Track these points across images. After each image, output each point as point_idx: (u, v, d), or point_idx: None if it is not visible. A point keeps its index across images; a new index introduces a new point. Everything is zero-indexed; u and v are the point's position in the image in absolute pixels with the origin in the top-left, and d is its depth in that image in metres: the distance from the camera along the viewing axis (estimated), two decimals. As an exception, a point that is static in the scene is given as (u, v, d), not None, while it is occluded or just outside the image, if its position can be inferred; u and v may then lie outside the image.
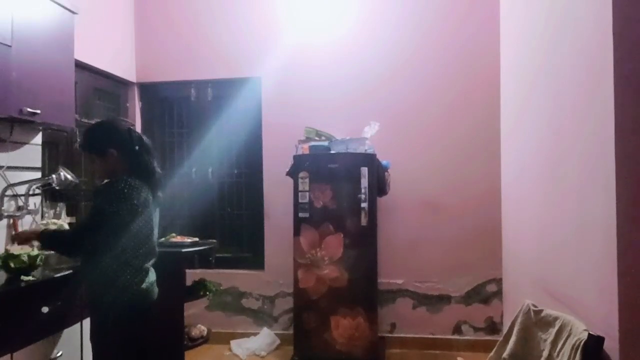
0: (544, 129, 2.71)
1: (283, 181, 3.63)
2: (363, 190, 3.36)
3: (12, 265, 2.16)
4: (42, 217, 3.01)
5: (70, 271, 2.31)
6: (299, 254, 3.47)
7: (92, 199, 2.09)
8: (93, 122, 3.58)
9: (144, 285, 2.01)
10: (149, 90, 4.24)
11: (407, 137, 3.84)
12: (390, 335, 3.84)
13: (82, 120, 3.46)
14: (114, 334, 1.96)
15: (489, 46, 3.71)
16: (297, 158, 3.53)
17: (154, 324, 2.10)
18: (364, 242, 3.40)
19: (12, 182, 2.68)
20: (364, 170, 3.37)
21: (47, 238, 2.04)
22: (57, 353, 2.20)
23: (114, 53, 3.85)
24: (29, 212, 2.82)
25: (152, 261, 2.11)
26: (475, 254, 3.74)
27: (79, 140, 3.38)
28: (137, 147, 2.05)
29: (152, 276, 2.10)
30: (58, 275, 2.28)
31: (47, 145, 3.05)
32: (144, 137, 2.14)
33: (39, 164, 2.96)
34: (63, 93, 2.75)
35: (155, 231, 2.14)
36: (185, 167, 4.18)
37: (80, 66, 3.22)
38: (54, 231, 2.27)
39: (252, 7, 4.01)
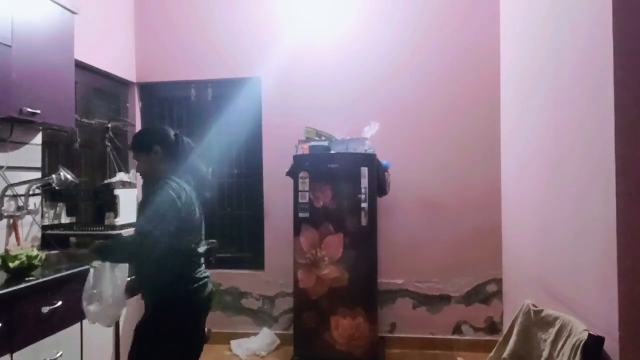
0: (544, 129, 2.71)
1: (283, 181, 3.63)
2: (363, 190, 3.36)
3: (11, 265, 2.16)
4: (42, 217, 3.01)
5: (71, 271, 2.32)
6: (299, 254, 3.47)
7: (142, 200, 2.06)
8: (93, 122, 3.61)
9: (203, 279, 2.10)
10: (148, 90, 4.24)
11: (407, 137, 3.84)
12: (390, 335, 3.84)
13: (82, 120, 3.46)
14: (165, 324, 1.99)
15: (489, 46, 3.71)
16: (297, 158, 3.53)
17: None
18: (364, 242, 3.40)
19: (12, 182, 2.69)
20: (364, 170, 3.37)
21: (110, 248, 2.01)
22: (57, 353, 2.20)
23: (114, 53, 3.85)
24: (29, 212, 2.82)
25: (203, 257, 2.17)
26: (475, 254, 3.75)
27: (78, 140, 3.39)
28: (181, 148, 2.12)
29: (206, 272, 2.17)
30: (58, 275, 2.28)
31: (47, 145, 3.05)
32: (190, 141, 2.20)
33: (39, 164, 2.96)
34: (63, 93, 2.75)
35: (201, 224, 2.20)
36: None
37: (80, 66, 3.22)
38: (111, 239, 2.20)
39: (252, 7, 4.01)
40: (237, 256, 4.13)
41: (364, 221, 3.37)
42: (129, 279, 2.14)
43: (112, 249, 1.99)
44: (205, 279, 2.13)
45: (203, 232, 2.23)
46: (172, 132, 2.17)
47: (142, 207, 2.01)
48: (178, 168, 2.10)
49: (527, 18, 3.09)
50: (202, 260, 2.17)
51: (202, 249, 2.15)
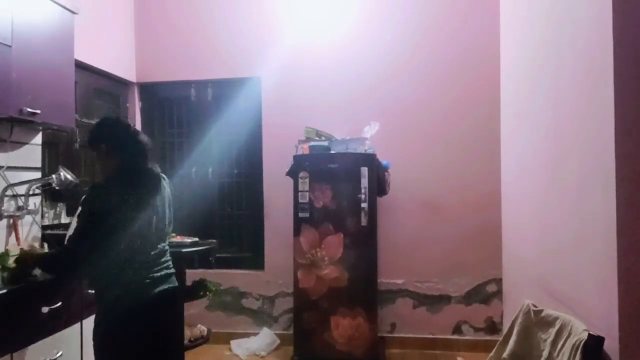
0: (544, 129, 2.71)
1: (283, 181, 3.63)
2: (363, 190, 3.36)
3: (8, 265, 2.15)
4: (42, 217, 3.01)
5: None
6: (299, 254, 3.47)
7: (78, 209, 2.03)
8: (93, 122, 3.60)
9: (145, 281, 1.98)
10: (149, 90, 4.24)
11: (407, 137, 3.84)
12: (390, 335, 3.84)
13: (82, 120, 3.46)
14: (110, 333, 1.94)
15: (489, 46, 3.71)
16: (297, 158, 3.53)
17: (161, 322, 2.06)
18: (364, 242, 3.40)
19: (12, 182, 2.68)
20: (364, 170, 3.37)
21: (43, 261, 2.03)
22: (57, 353, 2.20)
23: (114, 53, 3.85)
24: (29, 212, 2.81)
25: (154, 259, 2.05)
26: (475, 254, 3.74)
27: (78, 140, 3.39)
28: (130, 146, 2.02)
29: (153, 275, 2.03)
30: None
31: (47, 145, 3.05)
32: (141, 137, 2.08)
33: (39, 164, 2.95)
34: (63, 93, 2.75)
35: (153, 230, 2.05)
36: (185, 167, 4.18)
37: (80, 66, 3.22)
38: (46, 254, 2.15)
39: (252, 7, 4.01)
40: (237, 256, 4.13)
41: (364, 221, 3.37)
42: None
43: (44, 264, 2.02)
44: (150, 279, 2.00)
45: (162, 233, 2.12)
46: (123, 126, 2.07)
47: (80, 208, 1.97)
48: (124, 169, 2.00)
49: (527, 18, 3.09)
50: (158, 262, 2.06)
51: (150, 254, 2.02)
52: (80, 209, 1.96)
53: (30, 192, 2.80)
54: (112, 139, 2.03)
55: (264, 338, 3.84)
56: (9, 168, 2.69)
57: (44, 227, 2.98)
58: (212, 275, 3.71)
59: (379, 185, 3.49)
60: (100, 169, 2.11)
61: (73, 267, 1.98)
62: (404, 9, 3.85)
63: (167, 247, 2.16)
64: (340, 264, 3.38)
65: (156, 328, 2.02)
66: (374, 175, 3.43)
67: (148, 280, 2.00)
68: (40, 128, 2.89)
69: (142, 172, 2.05)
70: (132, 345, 1.94)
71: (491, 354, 2.61)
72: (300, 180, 3.46)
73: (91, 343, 1.99)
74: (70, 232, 2.03)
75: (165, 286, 2.06)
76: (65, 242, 1.94)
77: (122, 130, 2.06)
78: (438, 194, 3.80)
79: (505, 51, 3.60)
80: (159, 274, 2.04)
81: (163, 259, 2.10)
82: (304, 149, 3.58)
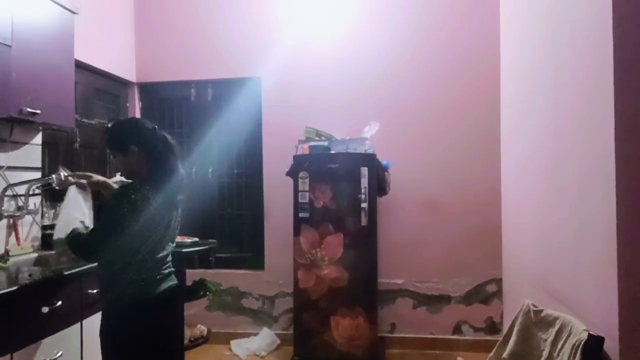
0: (544, 129, 2.71)
1: (283, 181, 3.63)
2: (363, 190, 3.36)
3: None
4: (42, 217, 3.01)
5: (71, 271, 2.32)
6: (299, 254, 3.47)
7: (108, 203, 2.01)
8: (93, 122, 3.61)
9: (152, 279, 2.01)
10: (149, 90, 4.24)
11: (407, 137, 3.84)
12: (390, 335, 3.84)
13: (82, 120, 3.46)
14: (119, 329, 1.96)
15: (489, 46, 3.71)
16: (297, 158, 3.53)
17: (164, 321, 2.08)
18: (364, 242, 3.40)
19: (12, 182, 2.68)
20: (364, 170, 3.37)
21: (71, 236, 1.98)
22: (57, 353, 2.20)
23: (114, 53, 3.85)
24: (29, 212, 2.81)
25: (163, 258, 2.08)
26: (475, 254, 3.74)
27: (78, 140, 3.39)
28: (160, 147, 2.03)
29: (162, 272, 2.07)
30: (58, 275, 2.28)
31: (47, 145, 3.05)
32: (169, 137, 2.10)
33: (39, 164, 2.96)
34: (63, 93, 2.75)
35: (170, 230, 2.10)
36: (185, 167, 4.17)
37: (80, 66, 3.22)
38: (79, 232, 2.06)
39: (252, 7, 4.01)
40: (237, 256, 4.13)
41: (364, 221, 3.37)
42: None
43: (72, 237, 1.96)
44: (157, 277, 2.03)
45: (174, 233, 2.16)
46: (150, 128, 2.06)
47: (101, 212, 1.97)
48: (155, 170, 2.01)
49: (527, 18, 3.09)
50: (166, 260, 2.10)
51: (162, 253, 2.07)
52: (109, 207, 1.94)
53: (30, 192, 2.80)
54: (144, 140, 2.02)
55: (264, 338, 3.84)
56: (9, 168, 2.69)
57: (44, 227, 2.98)
58: (212, 275, 3.72)
59: (379, 185, 3.49)
60: (127, 170, 2.08)
61: (89, 257, 1.99)
62: (404, 9, 3.85)
63: (172, 247, 2.18)
64: (340, 264, 3.38)
65: (160, 325, 2.04)
66: (374, 175, 3.43)
67: (155, 279, 2.03)
68: (40, 128, 2.89)
69: (173, 174, 2.06)
70: (138, 342, 1.96)
71: (491, 354, 2.61)
72: (300, 180, 3.46)
73: (91, 343, 2.00)
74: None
75: (169, 283, 2.09)
76: (91, 235, 1.93)
77: (151, 132, 2.05)
78: (438, 194, 3.80)
79: (505, 51, 3.60)
80: (164, 272, 2.08)
81: (168, 258, 2.13)
82: (304, 149, 3.58)
